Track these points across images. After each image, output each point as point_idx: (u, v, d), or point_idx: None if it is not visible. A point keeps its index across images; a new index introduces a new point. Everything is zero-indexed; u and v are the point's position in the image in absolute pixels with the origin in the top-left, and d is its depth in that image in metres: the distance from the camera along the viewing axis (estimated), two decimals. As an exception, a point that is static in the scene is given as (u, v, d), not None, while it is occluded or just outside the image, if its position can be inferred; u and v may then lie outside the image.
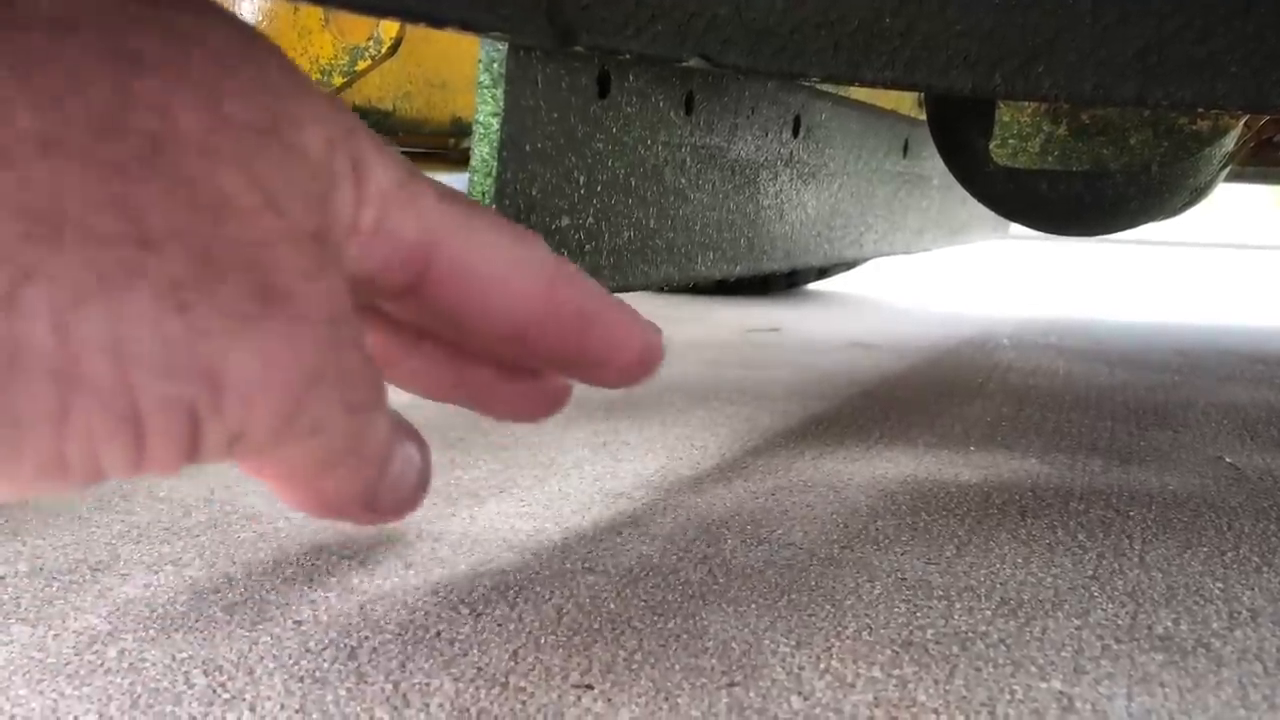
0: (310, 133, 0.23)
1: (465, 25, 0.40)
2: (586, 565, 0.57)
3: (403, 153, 1.12)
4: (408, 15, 0.38)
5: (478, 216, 0.28)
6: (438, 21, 0.39)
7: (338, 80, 0.65)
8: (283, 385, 0.22)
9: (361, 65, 0.65)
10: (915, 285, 2.47)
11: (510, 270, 0.28)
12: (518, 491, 0.70)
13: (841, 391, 1.12)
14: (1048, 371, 1.30)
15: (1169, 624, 0.52)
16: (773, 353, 1.38)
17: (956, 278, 2.70)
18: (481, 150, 0.49)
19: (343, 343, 0.23)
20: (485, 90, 0.48)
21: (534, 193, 0.52)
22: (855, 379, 1.20)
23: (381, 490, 0.27)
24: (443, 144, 0.85)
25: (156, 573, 0.54)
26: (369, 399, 0.25)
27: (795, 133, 0.80)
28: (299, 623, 0.48)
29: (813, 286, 2.35)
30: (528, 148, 0.51)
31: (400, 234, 0.26)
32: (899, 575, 0.57)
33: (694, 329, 1.58)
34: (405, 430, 0.29)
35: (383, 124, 0.74)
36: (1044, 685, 0.45)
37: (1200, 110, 0.67)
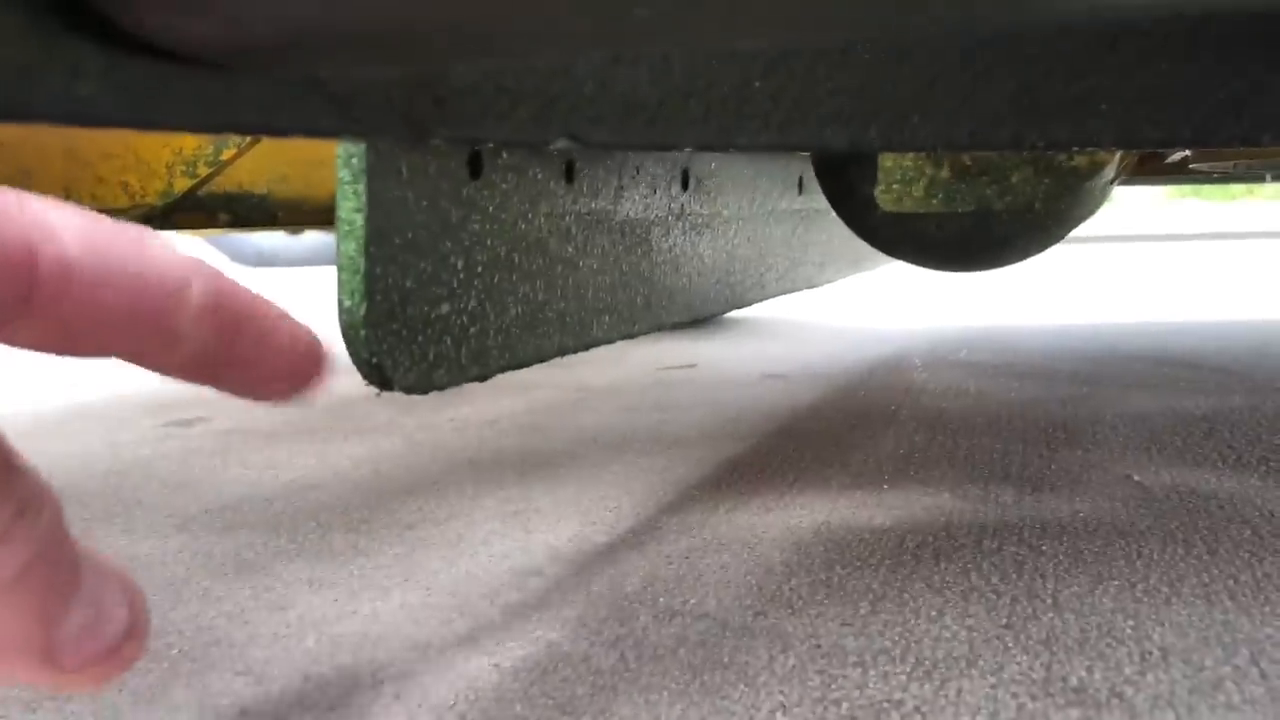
0: None
1: (311, 133, 0.38)
2: (493, 661, 0.55)
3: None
4: (245, 128, 0.36)
5: (91, 221, 0.26)
6: (279, 132, 0.37)
7: (203, 170, 0.63)
8: None
9: (226, 154, 0.62)
10: (829, 303, 2.49)
11: (133, 278, 0.26)
12: (424, 577, 0.68)
13: (757, 429, 1.11)
14: (959, 392, 1.31)
15: (1083, 673, 0.51)
16: (688, 392, 1.38)
17: (869, 292, 2.73)
18: (348, 248, 0.47)
19: None
20: (346, 186, 0.47)
21: (408, 284, 0.50)
22: (771, 414, 1.19)
23: (62, 640, 0.22)
24: (327, 220, 0.83)
25: (34, 711, 0.51)
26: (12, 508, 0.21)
27: (684, 186, 0.79)
28: (186, 759, 0.46)
29: (728, 315, 2.35)
30: (397, 240, 0.49)
31: None
32: (814, 642, 0.56)
33: (609, 371, 1.57)
34: (103, 569, 0.25)
35: (259, 208, 0.72)
36: (960, 758, 0.44)
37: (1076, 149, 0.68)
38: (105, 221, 0.27)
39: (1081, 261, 3.73)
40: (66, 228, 0.25)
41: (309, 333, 0.31)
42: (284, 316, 0.30)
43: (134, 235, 0.27)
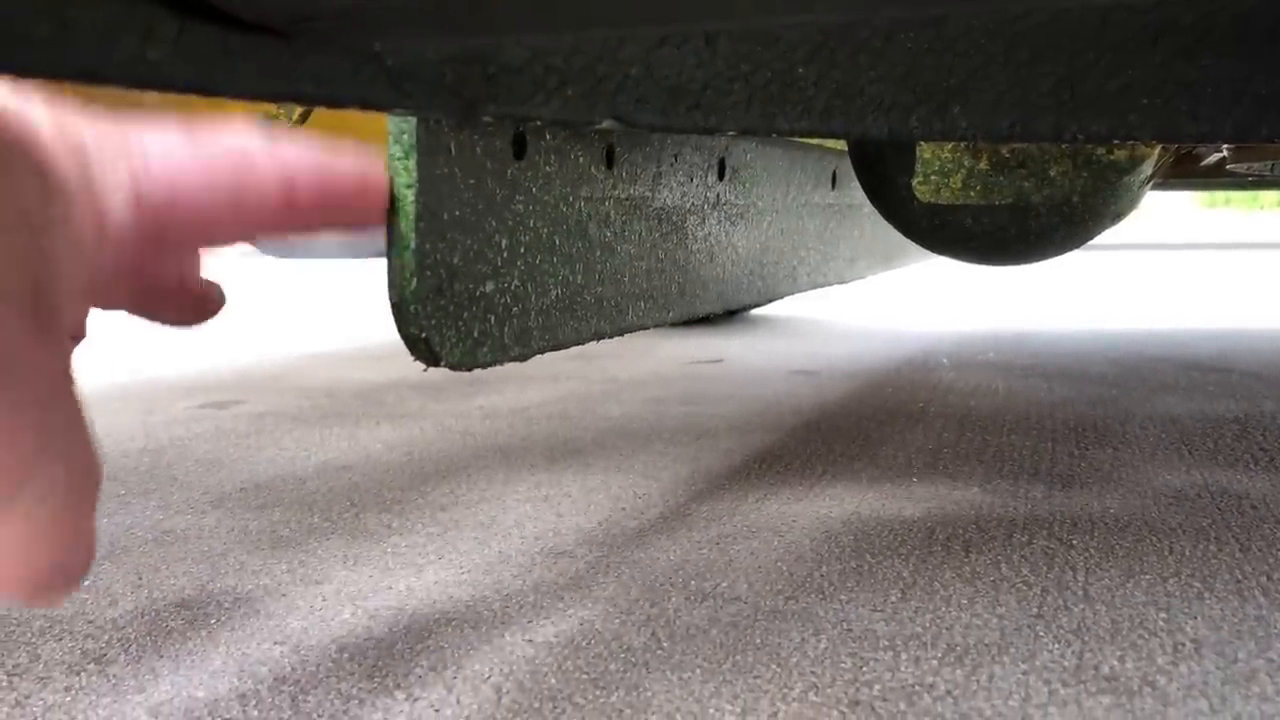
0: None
1: (365, 105, 0.39)
2: (527, 636, 0.55)
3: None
4: (303, 98, 0.37)
5: (187, 156, 0.30)
6: (335, 103, 0.38)
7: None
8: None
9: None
10: (855, 303, 2.49)
11: (238, 193, 0.31)
12: (457, 557, 0.69)
13: (785, 423, 1.12)
14: (987, 391, 1.30)
15: (1115, 662, 0.52)
16: (716, 386, 1.38)
17: (896, 293, 2.72)
18: (398, 224, 0.48)
19: (64, 412, 0.24)
20: (397, 162, 0.47)
21: (455, 261, 0.51)
22: (798, 409, 1.20)
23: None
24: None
25: (78, 674, 0.52)
26: (91, 464, 0.25)
27: (720, 175, 0.80)
28: (228, 721, 0.47)
29: (755, 312, 2.35)
30: (445, 216, 0.50)
31: (130, 227, 0.27)
32: (845, 626, 0.56)
33: (636, 364, 1.58)
34: None
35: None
36: (992, 739, 0.44)
37: (1115, 142, 0.67)
38: (191, 144, 0.30)
39: (1112, 268, 3.71)
40: (161, 159, 0.28)
41: (369, 164, 0.36)
42: (352, 165, 0.35)
43: (229, 152, 0.31)
